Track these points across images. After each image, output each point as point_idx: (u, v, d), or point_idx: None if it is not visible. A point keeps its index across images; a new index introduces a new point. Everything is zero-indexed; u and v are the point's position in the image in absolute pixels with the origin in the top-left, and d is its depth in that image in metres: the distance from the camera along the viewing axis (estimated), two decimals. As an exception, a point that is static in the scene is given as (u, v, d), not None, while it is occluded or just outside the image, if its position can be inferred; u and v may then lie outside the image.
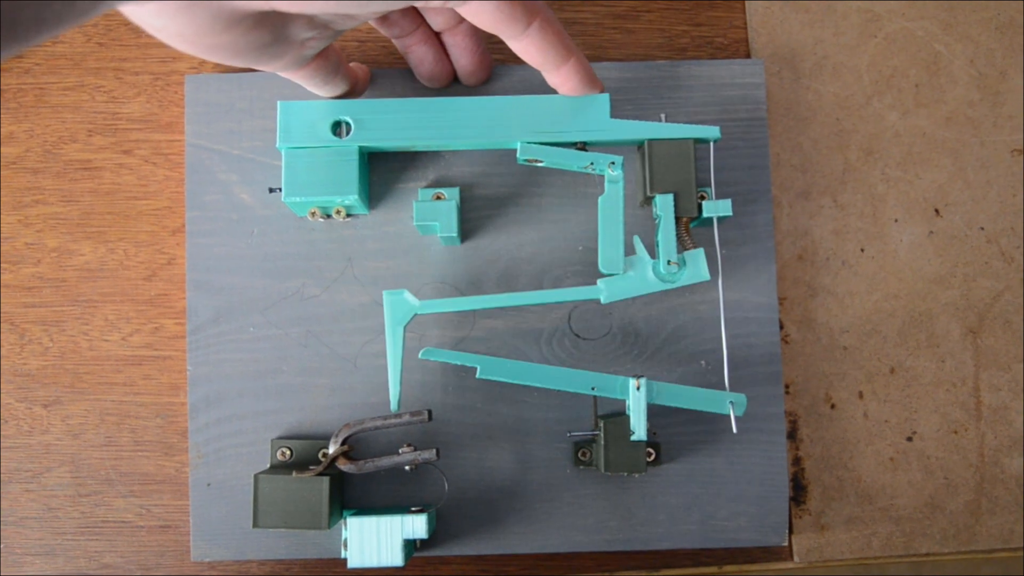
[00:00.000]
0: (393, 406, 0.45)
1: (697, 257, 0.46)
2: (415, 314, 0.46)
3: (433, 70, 0.49)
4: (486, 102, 0.47)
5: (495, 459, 0.49)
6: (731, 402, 0.46)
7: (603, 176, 0.46)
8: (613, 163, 0.46)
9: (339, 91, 0.47)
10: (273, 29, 0.36)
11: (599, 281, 0.46)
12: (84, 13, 0.24)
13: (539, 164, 0.46)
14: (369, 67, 0.51)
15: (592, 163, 0.46)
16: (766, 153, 0.51)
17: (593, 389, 0.46)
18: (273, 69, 0.41)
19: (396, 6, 0.34)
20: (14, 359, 0.51)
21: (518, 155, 0.46)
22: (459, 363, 0.46)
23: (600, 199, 0.46)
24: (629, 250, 0.46)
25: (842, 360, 0.52)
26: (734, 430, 0.46)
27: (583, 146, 0.46)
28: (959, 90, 0.53)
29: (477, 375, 0.45)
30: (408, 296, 0.46)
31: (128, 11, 0.32)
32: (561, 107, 0.46)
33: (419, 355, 0.45)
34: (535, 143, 0.46)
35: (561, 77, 0.45)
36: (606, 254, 0.45)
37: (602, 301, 0.46)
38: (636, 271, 0.46)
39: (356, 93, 0.49)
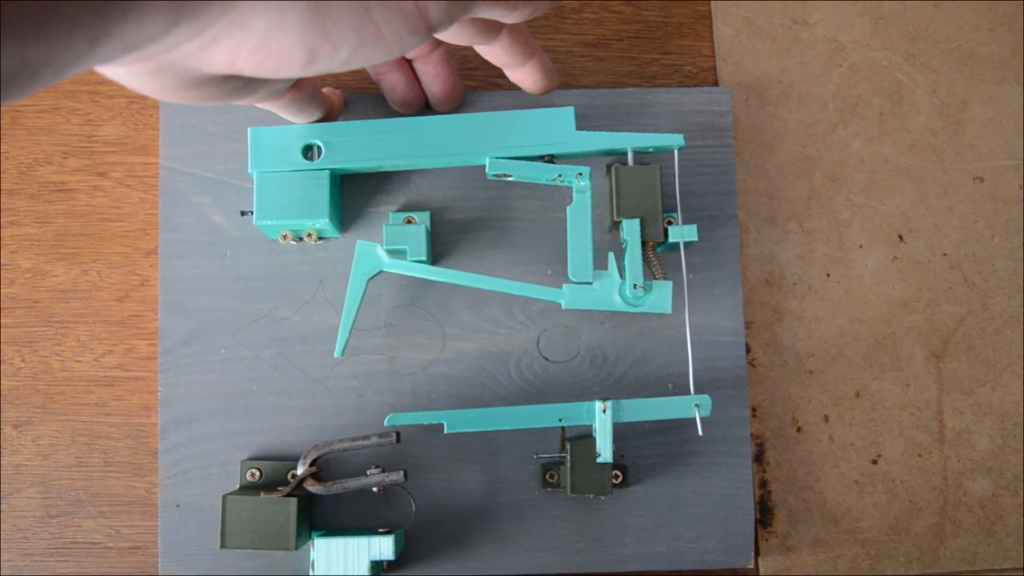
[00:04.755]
0: (337, 353, 0.46)
1: (664, 289, 0.46)
2: (381, 270, 0.47)
3: (405, 97, 0.50)
4: (454, 120, 0.47)
5: (463, 481, 0.50)
6: (696, 404, 0.46)
7: (571, 188, 0.47)
8: (580, 174, 0.47)
9: (315, 117, 0.48)
10: (243, 78, 0.37)
11: (564, 286, 0.46)
12: (52, 80, 0.25)
13: (508, 179, 0.47)
14: (343, 92, 0.52)
15: (560, 175, 0.47)
16: (733, 179, 0.52)
17: (561, 420, 0.46)
18: (249, 103, 0.41)
19: (369, 64, 0.35)
20: (-15, 379, 0.51)
21: (487, 170, 0.46)
22: (425, 423, 0.46)
23: (568, 209, 0.46)
24: (601, 264, 0.47)
25: (808, 384, 0.53)
26: (700, 432, 0.46)
27: (551, 159, 0.47)
28: (922, 118, 0.55)
29: (444, 431, 0.45)
30: (380, 251, 0.47)
31: (102, 70, 0.33)
32: (527, 122, 0.47)
33: (384, 423, 0.45)
34: (503, 158, 0.47)
35: (524, 73, 0.47)
36: (575, 263, 0.46)
37: (563, 306, 0.46)
38: (603, 286, 0.46)
39: (331, 118, 0.50)
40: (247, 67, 0.32)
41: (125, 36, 0.26)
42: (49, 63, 0.24)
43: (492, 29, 0.42)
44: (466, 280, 0.46)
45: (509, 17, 0.38)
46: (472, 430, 0.46)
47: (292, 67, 0.33)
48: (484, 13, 0.36)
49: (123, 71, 0.33)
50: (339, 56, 0.33)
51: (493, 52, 0.45)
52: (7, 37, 0.21)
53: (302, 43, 0.31)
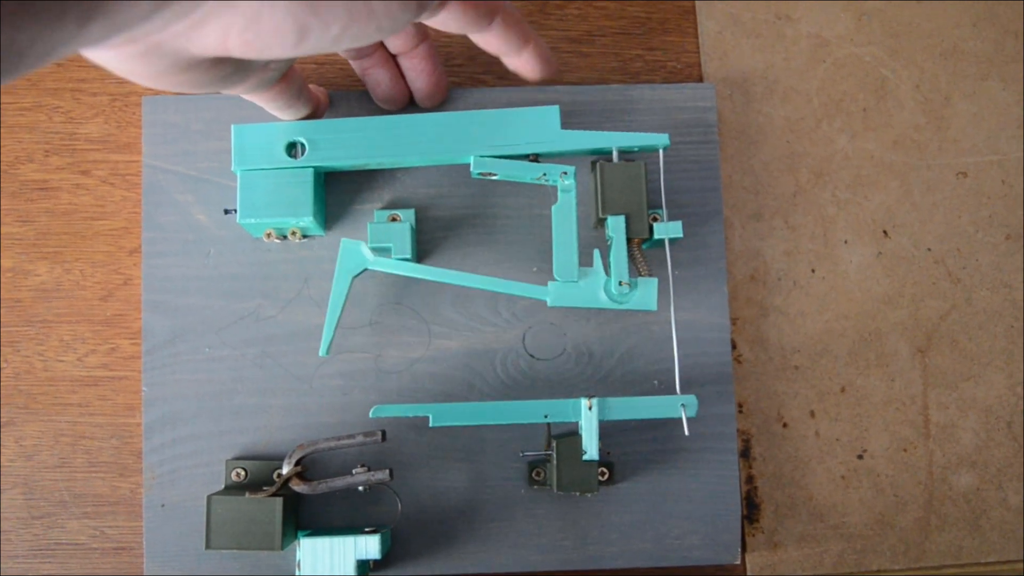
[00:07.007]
0: (322, 351, 0.46)
1: (649, 285, 0.46)
2: (366, 268, 0.47)
3: (390, 92, 0.50)
4: (439, 118, 0.47)
5: (449, 479, 0.50)
6: (682, 404, 0.46)
7: (556, 187, 0.47)
8: (565, 173, 0.46)
9: (301, 114, 0.48)
10: (233, 62, 0.36)
11: (549, 283, 0.46)
12: (38, 63, 0.24)
13: (493, 177, 0.47)
14: (327, 90, 0.51)
15: (545, 174, 0.47)
16: (718, 175, 0.52)
17: (546, 417, 0.46)
18: (237, 93, 0.41)
19: (360, 43, 0.35)
20: (-33, 380, 0.51)
21: (472, 169, 0.46)
22: (411, 415, 0.46)
23: (553, 208, 0.46)
24: (586, 261, 0.47)
25: (794, 379, 0.53)
26: (686, 432, 0.46)
27: (535, 158, 0.47)
28: (905, 114, 0.55)
29: (430, 424, 0.45)
30: (364, 249, 0.47)
31: (88, 54, 0.32)
32: (512, 120, 0.47)
33: (370, 415, 0.45)
34: (488, 156, 0.47)
35: (521, 60, 0.45)
36: (560, 261, 0.46)
37: (548, 304, 0.46)
38: (588, 283, 0.46)
39: (317, 116, 0.49)
40: (237, 47, 0.32)
41: (115, 15, 0.25)
42: (36, 44, 0.23)
43: (485, 16, 0.41)
44: (451, 278, 0.46)
45: None
46: (458, 423, 0.46)
47: (283, 46, 0.32)
48: None
49: (110, 54, 0.32)
50: (330, 33, 0.32)
51: (489, 41, 0.44)
52: None
53: (292, 20, 0.31)
